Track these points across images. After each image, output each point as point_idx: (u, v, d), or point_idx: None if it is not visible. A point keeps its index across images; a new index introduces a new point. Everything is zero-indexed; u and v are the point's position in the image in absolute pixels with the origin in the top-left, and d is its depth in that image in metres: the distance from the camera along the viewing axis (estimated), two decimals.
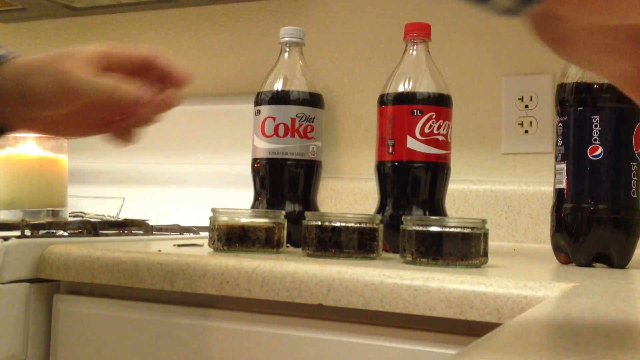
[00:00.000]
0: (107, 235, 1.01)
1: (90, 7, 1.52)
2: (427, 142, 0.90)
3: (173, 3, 1.50)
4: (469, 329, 0.64)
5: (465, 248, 0.72)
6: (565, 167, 0.79)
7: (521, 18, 0.32)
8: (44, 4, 1.50)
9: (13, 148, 1.11)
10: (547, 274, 0.72)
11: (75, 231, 0.99)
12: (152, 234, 1.08)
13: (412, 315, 0.64)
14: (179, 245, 0.89)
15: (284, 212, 0.86)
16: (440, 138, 0.90)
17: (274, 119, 0.97)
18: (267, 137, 0.97)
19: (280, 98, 0.97)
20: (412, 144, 0.90)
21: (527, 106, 1.23)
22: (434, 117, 0.90)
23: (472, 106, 1.26)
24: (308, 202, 0.98)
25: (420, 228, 0.73)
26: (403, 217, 0.77)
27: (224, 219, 0.82)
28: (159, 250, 0.79)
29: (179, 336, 0.75)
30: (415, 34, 0.93)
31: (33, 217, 1.06)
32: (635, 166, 0.77)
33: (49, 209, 1.12)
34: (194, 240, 0.99)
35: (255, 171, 0.99)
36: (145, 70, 0.66)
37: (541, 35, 0.34)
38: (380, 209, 0.93)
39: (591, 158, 0.77)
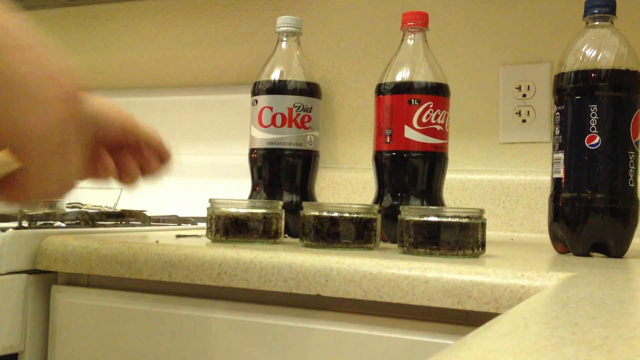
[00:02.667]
0: (104, 226, 1.00)
1: None
2: (424, 132, 0.90)
3: None
4: (467, 319, 0.64)
5: (463, 238, 0.72)
6: (562, 157, 0.79)
7: None
8: None
9: None
10: (544, 263, 0.72)
11: (73, 222, 0.99)
12: (150, 225, 1.08)
13: (410, 305, 0.64)
14: (180, 236, 0.89)
15: (281, 203, 0.85)
16: (438, 128, 0.90)
17: (271, 109, 0.96)
18: (265, 127, 0.96)
19: (277, 88, 0.97)
20: (409, 133, 0.90)
21: (524, 95, 1.22)
22: (431, 106, 0.89)
23: (470, 95, 1.26)
24: (306, 192, 0.98)
25: (418, 218, 0.73)
26: (401, 207, 0.77)
27: (221, 209, 0.82)
28: (157, 241, 0.79)
29: (177, 327, 0.75)
30: (412, 23, 0.92)
31: (30, 208, 1.06)
32: (632, 155, 0.77)
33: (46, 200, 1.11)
34: (192, 231, 0.99)
35: (252, 161, 0.99)
36: None
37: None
38: (378, 199, 0.93)
39: (589, 147, 0.77)
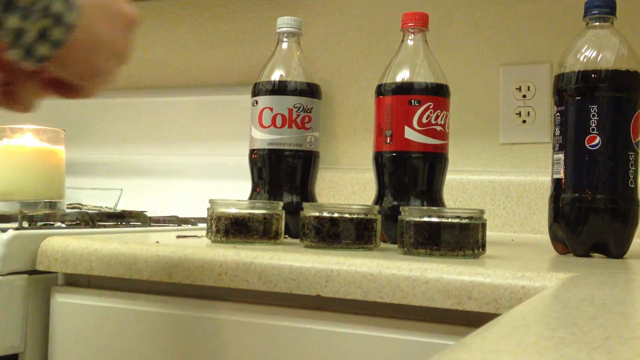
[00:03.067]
0: (105, 226, 1.00)
1: None
2: (425, 133, 0.90)
3: None
4: (467, 320, 0.64)
5: (463, 238, 0.72)
6: (563, 157, 0.79)
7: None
8: None
9: (10, 140, 1.11)
10: (545, 264, 0.72)
11: (73, 223, 0.99)
12: (150, 226, 1.08)
13: (410, 306, 0.64)
14: (180, 237, 0.89)
15: (281, 203, 0.85)
16: (438, 128, 0.90)
17: (271, 109, 0.96)
18: (265, 127, 0.96)
19: (277, 89, 0.97)
20: (409, 134, 0.90)
21: (524, 96, 1.22)
22: (431, 107, 0.89)
23: (470, 96, 1.26)
24: (306, 193, 0.98)
25: (418, 219, 0.73)
26: (401, 207, 0.77)
27: (221, 210, 0.82)
28: (157, 242, 0.79)
29: (177, 328, 0.75)
30: (412, 24, 0.92)
31: (31, 209, 1.06)
32: (632, 156, 0.77)
33: (46, 200, 1.12)
34: (192, 232, 0.99)
35: (252, 162, 0.99)
36: None
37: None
38: (378, 199, 0.93)
39: (589, 148, 0.77)
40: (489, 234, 0.77)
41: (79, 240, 0.80)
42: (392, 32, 1.13)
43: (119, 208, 1.31)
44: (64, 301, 0.82)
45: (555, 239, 0.81)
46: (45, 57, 0.53)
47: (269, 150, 0.96)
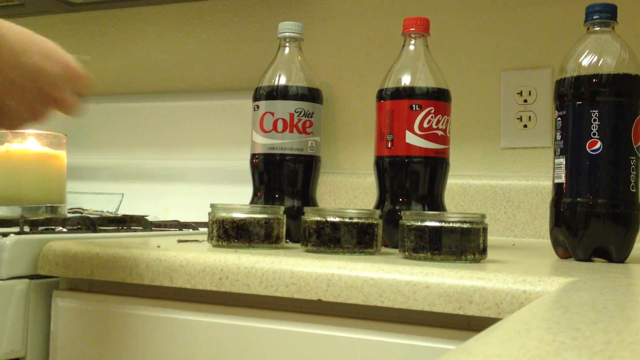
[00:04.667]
0: (106, 231, 1.00)
1: (88, 2, 1.52)
2: (426, 137, 0.90)
3: None
4: (468, 324, 0.64)
5: (465, 243, 0.72)
6: (564, 162, 0.79)
7: None
8: None
9: (11, 144, 1.11)
10: (546, 268, 0.72)
11: (74, 227, 0.99)
12: (151, 230, 1.08)
13: (411, 311, 0.64)
14: (181, 241, 0.89)
15: (282, 208, 0.86)
16: (439, 133, 0.90)
17: (272, 114, 0.96)
18: (266, 132, 0.97)
19: (278, 93, 0.97)
20: (411, 138, 0.90)
21: (525, 101, 1.22)
22: (432, 111, 0.90)
23: (471, 101, 1.26)
24: (307, 197, 0.98)
25: (419, 223, 0.73)
26: (402, 212, 0.77)
27: (222, 214, 0.82)
28: (158, 246, 0.79)
29: (178, 332, 0.75)
30: (414, 29, 0.92)
31: (32, 213, 1.06)
32: (634, 160, 0.77)
33: (47, 205, 1.12)
34: (194, 236, 0.99)
35: (254, 167, 0.99)
36: None
37: None
38: (379, 204, 0.93)
39: (590, 152, 0.77)
40: (490, 238, 0.77)
41: (80, 245, 0.80)
42: (394, 37, 1.13)
43: (120, 212, 1.31)
44: (65, 305, 0.82)
45: (556, 243, 0.81)
46: None
47: (270, 154, 0.96)
